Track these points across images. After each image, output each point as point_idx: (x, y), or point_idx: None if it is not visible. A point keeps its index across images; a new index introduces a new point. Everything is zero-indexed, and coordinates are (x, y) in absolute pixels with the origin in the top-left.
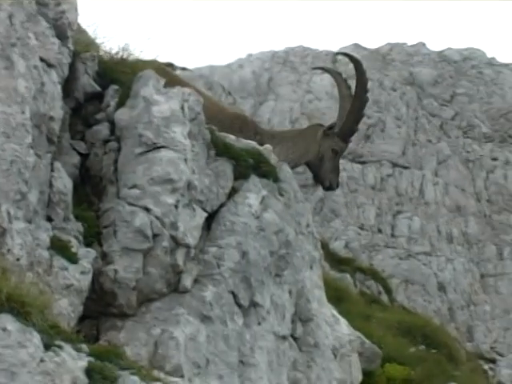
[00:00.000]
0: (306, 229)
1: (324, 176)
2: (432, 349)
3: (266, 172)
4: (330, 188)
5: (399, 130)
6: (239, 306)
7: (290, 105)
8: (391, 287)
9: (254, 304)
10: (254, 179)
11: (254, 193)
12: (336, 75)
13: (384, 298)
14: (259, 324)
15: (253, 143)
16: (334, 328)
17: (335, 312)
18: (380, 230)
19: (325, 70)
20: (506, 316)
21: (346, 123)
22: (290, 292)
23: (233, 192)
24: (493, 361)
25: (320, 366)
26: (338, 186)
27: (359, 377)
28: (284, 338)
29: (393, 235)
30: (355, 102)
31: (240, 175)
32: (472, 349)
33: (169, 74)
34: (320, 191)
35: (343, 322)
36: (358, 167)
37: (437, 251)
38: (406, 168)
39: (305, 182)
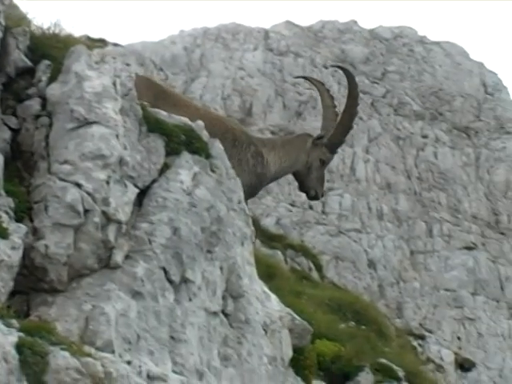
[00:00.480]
0: (237, 205)
1: (310, 185)
2: (362, 325)
3: (198, 148)
4: (315, 198)
5: None
6: (170, 282)
7: (221, 81)
8: (322, 264)
9: (185, 280)
10: (186, 155)
11: (185, 169)
12: (319, 85)
13: (314, 274)
14: (190, 300)
15: (184, 119)
16: (265, 304)
17: (266, 288)
18: (311, 207)
19: (307, 79)
20: (435, 293)
21: (334, 134)
22: (221, 268)
23: (165, 168)
24: (422, 337)
25: (251, 342)
26: (322, 196)
27: (289, 353)
28: (215, 314)
29: (323, 212)
30: (345, 114)
31: (172, 151)
32: (401, 325)
33: (166, 92)
34: None
35: (274, 298)
36: None
37: (367, 228)
38: None
39: None
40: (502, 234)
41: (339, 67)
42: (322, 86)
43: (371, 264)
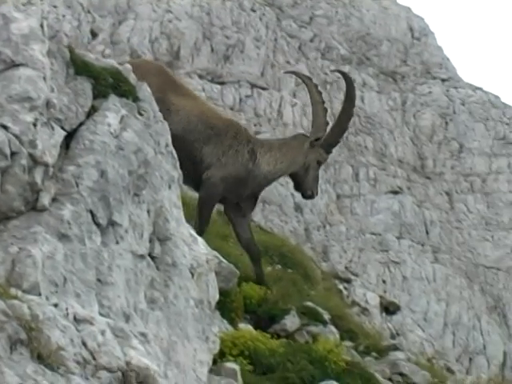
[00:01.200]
0: (165, 148)
1: (307, 186)
2: (288, 268)
3: (126, 91)
4: (310, 197)
5: (258, 52)
6: (97, 224)
7: (149, 24)
8: None
9: (112, 223)
10: (114, 98)
11: (113, 112)
12: (307, 80)
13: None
14: (117, 243)
15: (112, 62)
16: (192, 247)
17: (193, 231)
18: None
19: (296, 74)
20: (361, 236)
21: (331, 135)
22: (148, 211)
23: (92, 111)
24: (347, 280)
25: (177, 285)
26: (317, 194)
27: (216, 296)
28: (142, 257)
29: None
30: (343, 115)
31: (99, 94)
32: (327, 269)
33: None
34: None
35: (201, 241)
36: (217, 88)
37: None
38: (264, 89)
39: None
40: (428, 178)
41: (338, 71)
42: (310, 81)
43: (298, 208)
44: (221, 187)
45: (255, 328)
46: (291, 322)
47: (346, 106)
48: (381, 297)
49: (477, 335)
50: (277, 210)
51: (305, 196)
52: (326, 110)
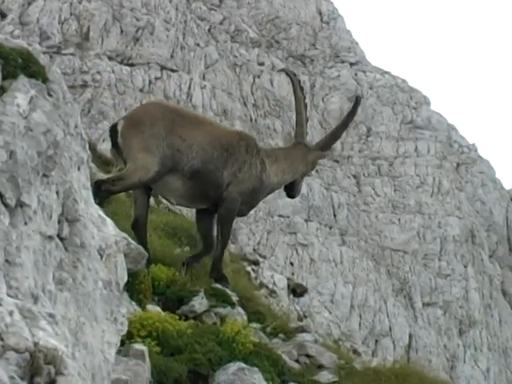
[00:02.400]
0: (74, 130)
1: (297, 189)
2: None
3: (35, 72)
4: (294, 197)
5: (168, 34)
6: (6, 205)
7: (59, 5)
8: None
9: (20, 204)
10: (23, 79)
11: (22, 93)
12: (294, 78)
13: (150, 200)
14: (26, 224)
15: (22, 42)
16: (101, 229)
17: (102, 213)
18: None
19: (284, 71)
20: (269, 219)
21: (326, 144)
22: (57, 192)
23: (1, 92)
24: (255, 262)
25: (86, 267)
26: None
27: (124, 277)
28: (50, 238)
29: None
30: (341, 127)
31: (8, 75)
32: (235, 251)
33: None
34: (88, 92)
35: (110, 222)
36: (126, 69)
37: None
38: (174, 71)
39: (73, 82)
40: (336, 161)
41: (357, 98)
42: (296, 78)
43: None
44: (239, 202)
45: (163, 309)
46: (199, 303)
47: (346, 120)
48: (288, 279)
49: (383, 317)
50: None
51: (291, 196)
52: (306, 106)
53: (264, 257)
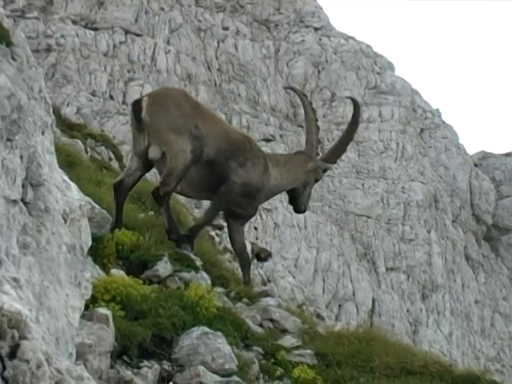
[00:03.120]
0: (38, 94)
1: (302, 202)
2: (160, 215)
3: None
4: (302, 212)
5: None
6: None
7: None
8: (122, 154)
9: None
10: None
11: None
12: (304, 99)
13: (115, 164)
14: None
15: None
16: (65, 193)
17: (66, 177)
18: (112, 97)
19: (294, 90)
20: None
21: (331, 157)
22: (21, 157)
23: None
24: (219, 227)
25: (50, 231)
26: (306, 210)
27: (88, 242)
28: (14, 202)
29: (124, 102)
30: (346, 138)
31: None
32: (200, 215)
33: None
34: (52, 57)
35: (74, 187)
36: (90, 33)
37: None
38: (138, 35)
39: (37, 46)
40: (300, 126)
41: (351, 98)
42: (306, 98)
43: None
44: (239, 189)
45: (127, 274)
46: (163, 268)
47: (349, 130)
48: (252, 243)
49: (346, 282)
50: None
51: (297, 211)
52: (318, 128)
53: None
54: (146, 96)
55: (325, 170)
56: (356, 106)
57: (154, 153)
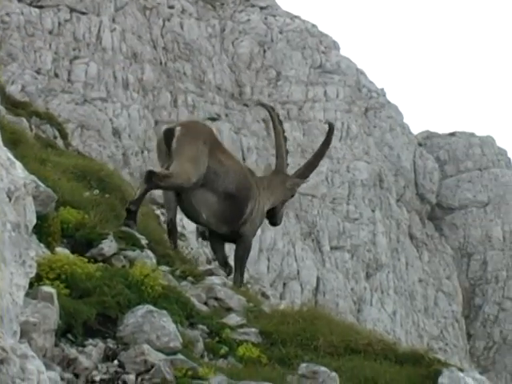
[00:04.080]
0: None
1: (279, 216)
2: (106, 193)
3: None
4: (278, 225)
5: None
6: None
7: None
8: (67, 132)
9: None
10: None
11: None
12: (272, 112)
13: (60, 142)
14: None
15: None
16: (10, 171)
17: (11, 155)
18: (57, 75)
19: (261, 105)
20: None
21: (304, 173)
22: None
23: None
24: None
25: None
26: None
27: (33, 220)
28: None
29: (69, 80)
30: (318, 156)
31: None
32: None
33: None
34: None
35: (19, 165)
36: (35, 11)
37: (112, 97)
38: (83, 13)
39: None
40: (245, 105)
41: (328, 123)
42: (274, 111)
43: (116, 133)
44: (251, 237)
45: (72, 252)
46: (108, 246)
47: (322, 148)
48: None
49: (291, 261)
50: (95, 135)
51: (274, 225)
52: (285, 139)
53: None
54: (180, 126)
55: (299, 185)
56: (331, 128)
57: None
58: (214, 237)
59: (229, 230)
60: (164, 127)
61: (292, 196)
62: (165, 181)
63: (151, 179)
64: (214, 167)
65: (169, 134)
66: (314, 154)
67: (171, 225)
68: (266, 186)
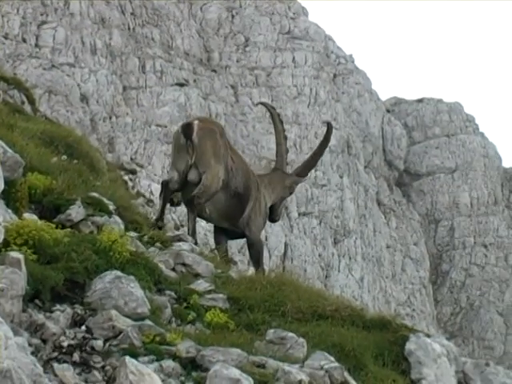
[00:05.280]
0: None
1: (277, 213)
2: (74, 159)
3: None
4: (277, 221)
5: None
6: None
7: None
8: (35, 97)
9: None
10: None
11: None
12: (273, 111)
13: (27, 107)
14: None
15: None
16: None
17: None
18: (24, 40)
19: (262, 104)
20: (147, 128)
21: (303, 171)
22: None
23: None
24: (133, 172)
25: None
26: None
27: (1, 185)
28: None
29: (37, 45)
30: (316, 155)
31: None
32: (113, 160)
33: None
34: None
35: None
36: None
37: (80, 63)
38: None
39: None
40: (214, 71)
41: (328, 123)
42: (275, 110)
43: (84, 98)
44: (259, 237)
45: (40, 218)
46: (76, 212)
47: (321, 148)
48: None
49: None
50: (63, 101)
51: (273, 220)
52: (285, 138)
53: (141, 166)
54: (197, 120)
55: (297, 183)
56: (329, 128)
57: (193, 175)
58: (217, 230)
59: (229, 225)
60: (181, 123)
61: (291, 193)
62: (202, 196)
63: (194, 205)
64: (230, 164)
65: (188, 130)
66: (312, 152)
67: (166, 186)
68: (267, 184)
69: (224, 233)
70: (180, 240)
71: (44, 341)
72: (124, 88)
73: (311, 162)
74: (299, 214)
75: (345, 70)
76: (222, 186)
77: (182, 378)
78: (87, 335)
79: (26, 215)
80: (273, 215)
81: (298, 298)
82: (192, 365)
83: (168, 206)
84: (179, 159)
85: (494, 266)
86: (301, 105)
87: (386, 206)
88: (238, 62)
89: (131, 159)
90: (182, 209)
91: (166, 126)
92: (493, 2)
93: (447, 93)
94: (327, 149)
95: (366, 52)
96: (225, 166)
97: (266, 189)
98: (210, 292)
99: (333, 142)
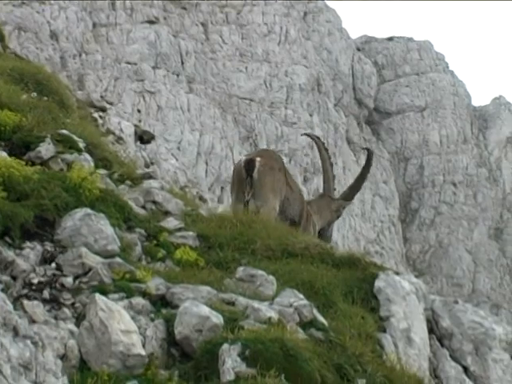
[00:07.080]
0: None
1: (327, 237)
2: (44, 96)
3: None
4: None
5: None
6: None
7: None
8: (4, 34)
9: None
10: None
11: None
12: (318, 141)
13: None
14: None
15: None
16: None
17: None
18: None
19: (307, 135)
20: (117, 65)
21: (348, 195)
22: None
23: None
24: (103, 109)
25: None
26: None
27: None
28: None
29: None
30: (360, 180)
31: None
32: (83, 97)
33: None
34: None
35: None
36: None
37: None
38: None
39: None
40: (184, 8)
41: (367, 149)
42: (319, 140)
43: (53, 35)
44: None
45: (10, 155)
46: (46, 149)
47: (364, 172)
48: (136, 126)
49: (229, 165)
50: (32, 38)
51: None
52: (331, 165)
53: (111, 103)
54: (258, 157)
55: (344, 207)
56: (370, 154)
57: (252, 206)
58: None
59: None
60: (243, 158)
61: (338, 217)
62: None
63: None
64: (287, 195)
65: (250, 165)
66: (356, 177)
67: None
68: (316, 209)
69: None
70: (150, 177)
71: (14, 278)
72: (94, 25)
73: (356, 186)
74: None
75: (315, 8)
76: (278, 214)
77: (152, 315)
78: (57, 272)
79: None
80: (322, 239)
81: (267, 235)
82: (162, 302)
83: (138, 143)
84: (240, 193)
85: (462, 204)
86: (271, 43)
87: (356, 144)
88: None
89: (101, 97)
90: (152, 147)
91: (135, 64)
92: None
93: (417, 31)
94: (297, 87)
95: None
96: (280, 198)
97: (315, 216)
98: (179, 230)
99: (303, 80)
